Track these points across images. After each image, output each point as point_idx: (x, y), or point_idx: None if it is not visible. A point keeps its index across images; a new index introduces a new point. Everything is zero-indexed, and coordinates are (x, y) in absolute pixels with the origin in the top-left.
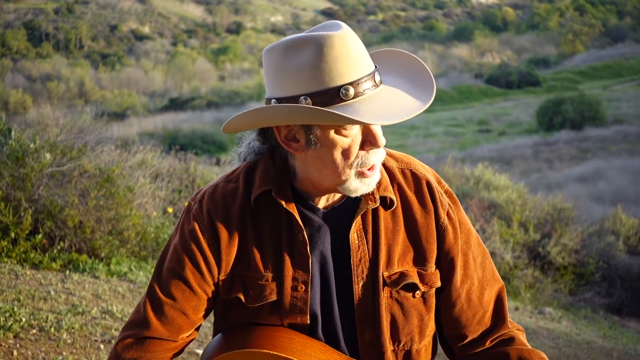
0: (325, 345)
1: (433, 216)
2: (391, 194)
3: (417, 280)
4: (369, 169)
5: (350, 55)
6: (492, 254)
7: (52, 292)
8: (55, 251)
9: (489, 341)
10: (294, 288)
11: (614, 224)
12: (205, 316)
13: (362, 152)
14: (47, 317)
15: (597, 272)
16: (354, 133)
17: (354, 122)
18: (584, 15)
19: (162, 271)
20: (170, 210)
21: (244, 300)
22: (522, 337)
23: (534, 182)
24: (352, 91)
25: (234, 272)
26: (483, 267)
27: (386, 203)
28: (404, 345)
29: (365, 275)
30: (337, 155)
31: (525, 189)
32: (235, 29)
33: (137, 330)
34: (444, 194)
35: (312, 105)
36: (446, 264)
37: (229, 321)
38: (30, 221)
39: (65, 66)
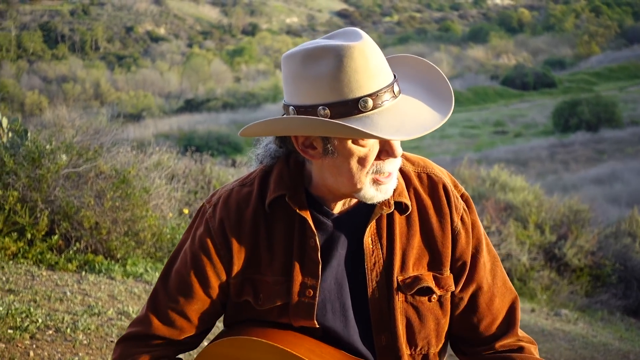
0: (321, 343)
1: (449, 220)
2: (406, 199)
3: (432, 284)
4: (385, 177)
5: (369, 66)
6: (508, 255)
7: (68, 293)
8: (71, 252)
9: (497, 345)
10: (302, 293)
11: (631, 226)
12: (210, 321)
13: (378, 161)
14: (63, 318)
15: (613, 274)
16: (372, 143)
17: (373, 137)
18: (600, 16)
19: (168, 273)
20: (186, 211)
21: (253, 303)
22: (533, 350)
23: (550, 183)
24: (370, 103)
25: (244, 275)
26: (493, 274)
27: (401, 208)
28: (420, 350)
29: (379, 279)
30: (354, 164)
31: (541, 190)
32: (251, 31)
33: (139, 328)
34: (459, 197)
35: (331, 115)
36: (456, 269)
37: (236, 320)
38: (47, 222)
39: (81, 68)
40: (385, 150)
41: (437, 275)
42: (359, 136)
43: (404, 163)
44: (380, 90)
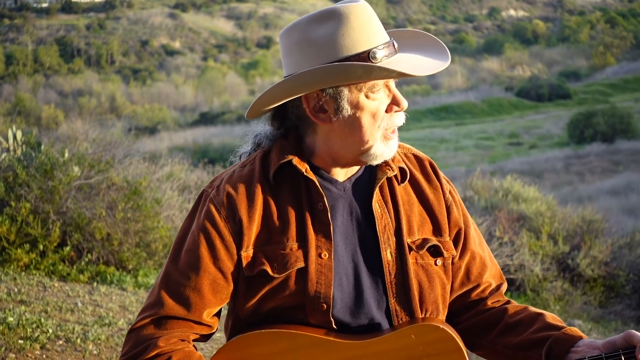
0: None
1: (440, 192)
2: (404, 165)
3: (439, 245)
4: (391, 132)
5: (373, 23)
6: (521, 266)
7: (80, 304)
8: (83, 263)
9: (488, 302)
10: (319, 255)
11: None
12: (221, 298)
13: (387, 115)
14: (73, 329)
15: (627, 284)
16: (381, 97)
17: (405, 75)
18: (615, 27)
19: (177, 254)
20: None
21: (270, 272)
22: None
23: (565, 195)
24: (379, 54)
25: (256, 247)
26: (482, 248)
27: (400, 175)
28: (430, 315)
29: (391, 242)
30: (367, 119)
31: (555, 200)
32: (265, 44)
33: (152, 312)
34: (444, 177)
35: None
36: (453, 237)
37: (249, 300)
38: (59, 233)
39: (96, 81)
40: (393, 103)
41: (440, 240)
42: (382, 76)
43: None
44: (385, 43)
